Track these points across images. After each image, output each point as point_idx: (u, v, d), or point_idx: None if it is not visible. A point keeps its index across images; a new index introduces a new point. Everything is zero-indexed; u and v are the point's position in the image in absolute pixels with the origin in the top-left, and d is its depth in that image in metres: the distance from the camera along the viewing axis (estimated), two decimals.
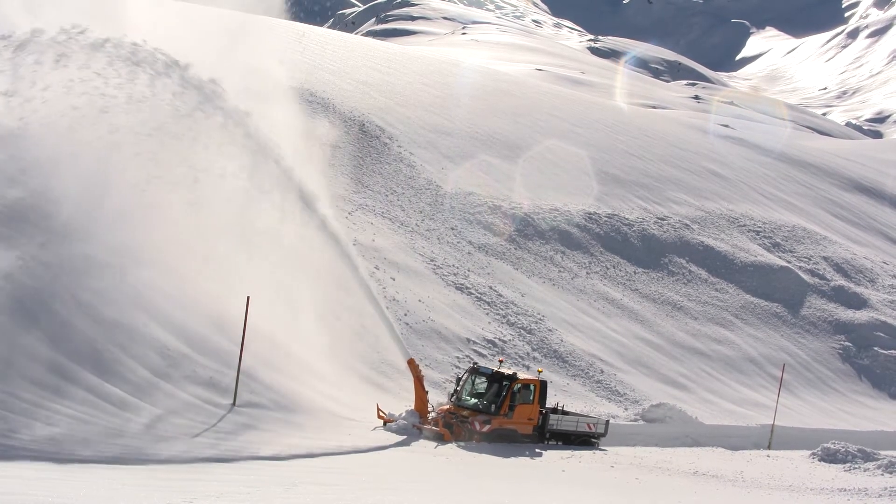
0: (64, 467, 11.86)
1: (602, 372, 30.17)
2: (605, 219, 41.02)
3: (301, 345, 23.62)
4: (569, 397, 27.70)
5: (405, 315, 27.50)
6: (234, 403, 19.12)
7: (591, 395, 28.81)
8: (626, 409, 28.44)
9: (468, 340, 28.13)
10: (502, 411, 22.25)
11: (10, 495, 9.86)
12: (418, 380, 21.87)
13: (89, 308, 18.30)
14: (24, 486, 10.45)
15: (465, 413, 22.01)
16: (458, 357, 26.69)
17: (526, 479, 17.94)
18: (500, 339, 28.97)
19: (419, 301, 28.75)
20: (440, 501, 13.25)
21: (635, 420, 27.91)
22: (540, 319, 31.38)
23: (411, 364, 22.01)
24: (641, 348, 33.28)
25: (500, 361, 24.74)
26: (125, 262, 19.61)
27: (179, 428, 16.36)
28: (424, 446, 19.70)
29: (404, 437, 20.01)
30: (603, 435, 24.98)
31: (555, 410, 24.18)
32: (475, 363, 24.50)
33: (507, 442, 22.06)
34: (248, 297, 21.16)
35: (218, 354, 20.17)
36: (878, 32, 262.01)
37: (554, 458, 21.14)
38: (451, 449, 19.95)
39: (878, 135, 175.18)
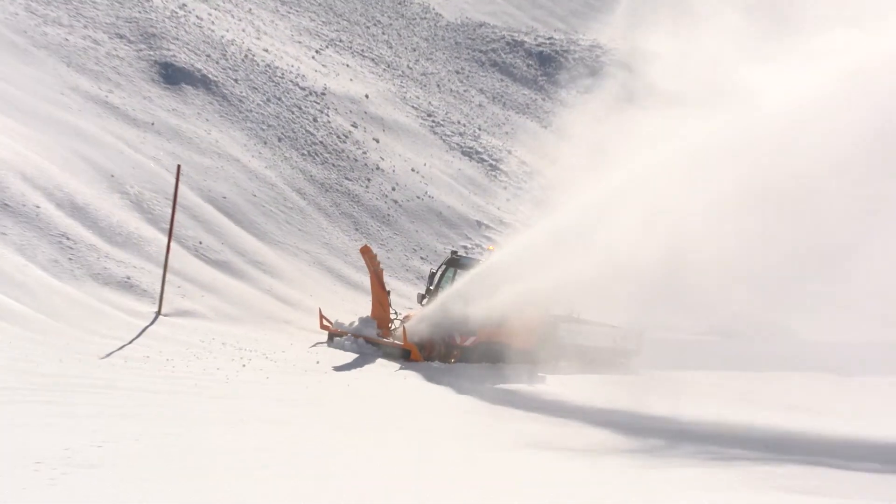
0: None
1: None
2: None
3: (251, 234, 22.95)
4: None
5: (392, 190, 24.86)
6: (158, 311, 18.43)
7: None
8: None
9: (478, 224, 26.87)
10: None
11: None
12: (376, 275, 18.61)
13: None
14: None
15: None
16: (464, 247, 24.95)
17: (510, 405, 16.49)
18: (520, 223, 27.99)
19: (412, 170, 26.75)
20: (416, 440, 12.60)
21: None
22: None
23: (366, 253, 18.78)
24: None
25: (490, 249, 21.24)
26: None
27: (87, 346, 15.67)
28: (386, 367, 16.81)
29: (356, 356, 17.19)
30: (636, 353, 22.20)
31: (567, 319, 20.67)
32: (454, 252, 21.14)
33: (496, 361, 19.04)
34: (179, 166, 20.41)
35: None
36: None
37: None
38: (422, 369, 17.11)
39: None
